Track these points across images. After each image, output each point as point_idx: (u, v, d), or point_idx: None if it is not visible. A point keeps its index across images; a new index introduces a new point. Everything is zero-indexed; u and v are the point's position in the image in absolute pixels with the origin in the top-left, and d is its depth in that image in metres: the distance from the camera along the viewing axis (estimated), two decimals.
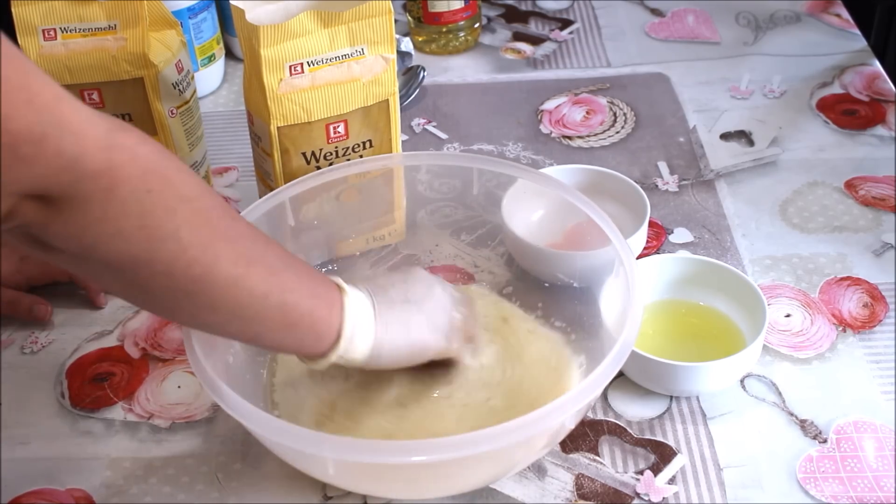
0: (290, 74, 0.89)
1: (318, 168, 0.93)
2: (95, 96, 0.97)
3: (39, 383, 0.90)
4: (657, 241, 1.02)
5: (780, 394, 0.87)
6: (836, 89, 1.21)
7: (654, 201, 1.05)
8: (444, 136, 1.17)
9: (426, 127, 1.19)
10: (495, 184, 0.93)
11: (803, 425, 0.84)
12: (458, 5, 1.27)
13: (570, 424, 0.77)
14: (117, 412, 0.88)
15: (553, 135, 1.17)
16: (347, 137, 0.93)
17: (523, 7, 1.39)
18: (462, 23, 1.29)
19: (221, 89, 1.26)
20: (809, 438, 0.83)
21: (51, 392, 0.90)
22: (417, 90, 1.22)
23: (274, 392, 0.85)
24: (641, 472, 0.81)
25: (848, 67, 1.24)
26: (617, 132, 1.17)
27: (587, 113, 1.20)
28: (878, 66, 1.24)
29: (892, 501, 0.78)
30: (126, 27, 0.95)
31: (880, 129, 1.15)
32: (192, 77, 1.03)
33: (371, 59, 0.92)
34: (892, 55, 1.45)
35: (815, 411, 0.85)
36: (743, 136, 1.15)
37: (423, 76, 1.23)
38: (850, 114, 1.17)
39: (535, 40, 1.33)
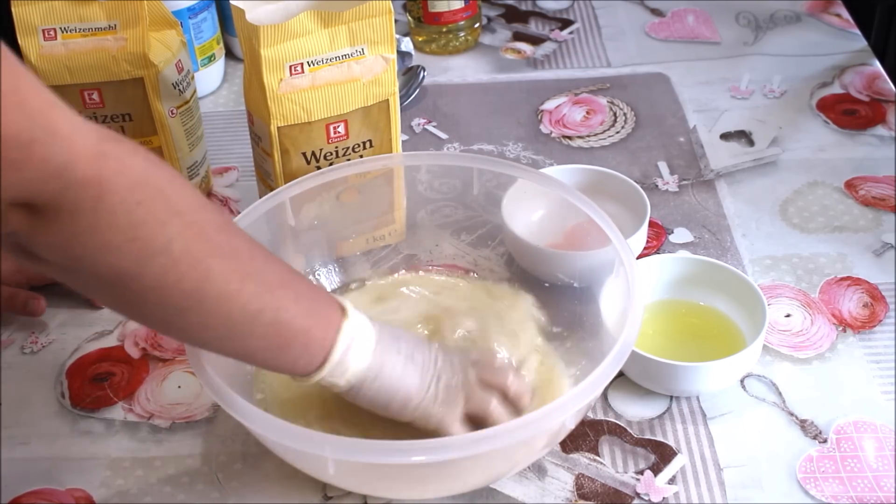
0: (291, 74, 0.89)
1: (318, 168, 0.93)
2: (95, 96, 0.97)
3: (39, 383, 0.90)
4: (657, 241, 1.02)
5: (780, 394, 0.86)
6: (836, 89, 1.21)
7: (654, 201, 1.05)
8: (444, 136, 1.17)
9: (426, 127, 1.19)
10: (495, 184, 0.94)
11: (803, 425, 0.84)
12: (458, 5, 1.27)
13: (571, 424, 0.77)
14: (117, 412, 0.88)
15: (553, 135, 1.17)
16: (347, 137, 0.93)
17: (523, 7, 1.39)
18: (462, 23, 1.29)
19: (221, 89, 1.26)
20: (809, 438, 0.83)
21: (51, 392, 0.90)
22: (417, 90, 1.22)
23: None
24: (641, 472, 0.81)
25: (848, 67, 1.24)
26: (617, 132, 1.17)
27: (587, 113, 1.20)
28: (878, 66, 1.24)
29: (893, 501, 0.78)
30: (126, 27, 0.95)
31: (880, 129, 1.15)
32: (192, 77, 1.03)
33: (371, 59, 0.92)
34: (892, 55, 1.45)
35: (815, 411, 0.85)
36: (743, 136, 1.15)
37: (423, 76, 1.23)
38: (850, 114, 1.17)
39: (535, 40, 1.33)
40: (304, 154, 0.93)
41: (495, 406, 0.75)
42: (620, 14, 1.37)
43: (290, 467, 0.77)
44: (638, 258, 0.93)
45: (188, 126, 1.02)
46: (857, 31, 1.31)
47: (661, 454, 0.82)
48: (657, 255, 0.94)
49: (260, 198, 0.90)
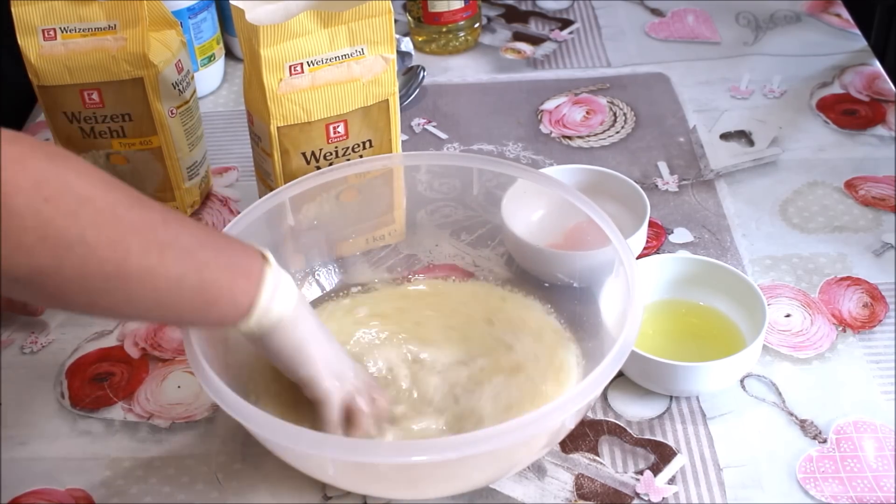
0: (290, 74, 0.89)
1: (318, 168, 0.93)
2: (95, 96, 0.97)
3: (39, 383, 0.90)
4: (657, 241, 1.02)
5: (780, 394, 0.86)
6: (836, 89, 1.21)
7: (654, 201, 1.05)
8: (444, 136, 1.17)
9: (426, 127, 1.19)
10: (495, 184, 0.94)
11: (803, 425, 0.84)
12: (458, 5, 1.27)
13: (570, 424, 0.77)
14: (117, 412, 0.88)
15: (553, 135, 1.17)
16: (347, 137, 0.93)
17: (523, 7, 1.39)
18: (462, 23, 1.29)
19: (221, 89, 1.26)
20: (809, 438, 0.83)
21: (51, 392, 0.90)
22: (417, 90, 1.22)
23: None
24: (641, 472, 0.81)
25: (848, 67, 1.24)
26: (617, 132, 1.17)
27: (587, 113, 1.20)
28: (878, 66, 1.24)
29: (892, 501, 0.78)
30: (126, 27, 0.95)
31: (880, 129, 1.15)
32: (192, 77, 1.03)
33: (371, 59, 0.92)
34: (892, 55, 1.45)
35: (815, 411, 0.85)
36: (743, 136, 1.15)
37: (423, 76, 1.23)
38: (850, 114, 1.17)
39: (535, 40, 1.33)
40: (303, 154, 0.93)
41: (366, 411, 0.78)
42: (620, 14, 1.37)
43: (290, 467, 0.77)
44: (638, 258, 0.93)
45: (188, 126, 1.02)
46: (857, 31, 1.31)
47: (661, 454, 0.82)
48: (657, 255, 0.94)
49: (260, 198, 0.90)
